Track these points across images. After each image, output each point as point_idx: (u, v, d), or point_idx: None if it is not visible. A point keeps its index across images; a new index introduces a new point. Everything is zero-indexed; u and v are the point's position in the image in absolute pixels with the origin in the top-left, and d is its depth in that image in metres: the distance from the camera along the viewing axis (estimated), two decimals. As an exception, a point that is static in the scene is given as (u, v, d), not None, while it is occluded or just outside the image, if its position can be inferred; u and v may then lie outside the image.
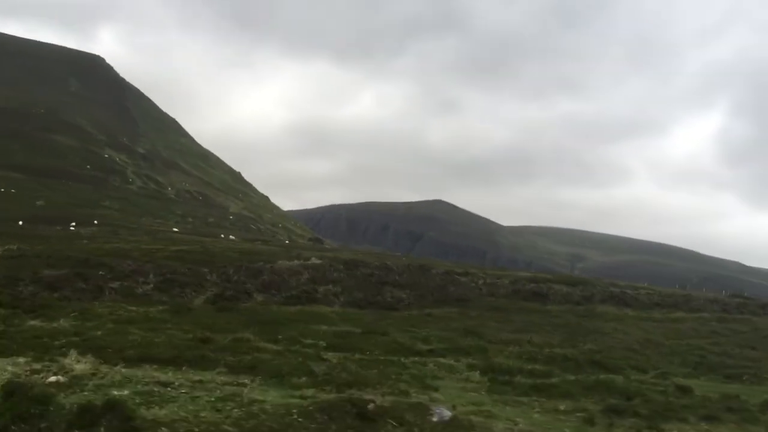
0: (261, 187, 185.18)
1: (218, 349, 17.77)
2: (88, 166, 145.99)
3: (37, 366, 13.17)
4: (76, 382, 11.60)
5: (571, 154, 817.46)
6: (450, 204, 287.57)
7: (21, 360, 14.53)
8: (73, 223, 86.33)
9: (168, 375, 13.38)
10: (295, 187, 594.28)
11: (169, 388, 11.72)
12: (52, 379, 11.17)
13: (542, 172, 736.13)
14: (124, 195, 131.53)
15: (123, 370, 13.46)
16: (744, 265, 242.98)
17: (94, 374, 12.26)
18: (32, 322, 22.08)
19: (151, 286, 32.65)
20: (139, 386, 11.76)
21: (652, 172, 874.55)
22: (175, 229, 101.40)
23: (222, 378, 13.61)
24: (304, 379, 14.07)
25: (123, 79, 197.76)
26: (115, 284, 30.91)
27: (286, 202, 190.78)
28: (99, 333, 20.28)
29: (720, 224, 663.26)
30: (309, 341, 21.48)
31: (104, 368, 13.19)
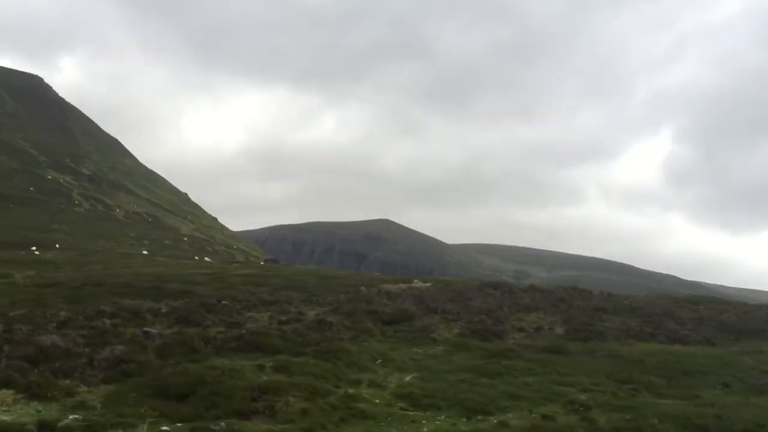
0: (209, 209, 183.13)
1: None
2: (32, 189, 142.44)
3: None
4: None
5: (524, 178, 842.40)
6: (396, 223, 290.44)
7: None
8: (34, 247, 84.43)
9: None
10: (246, 209, 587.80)
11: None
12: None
13: (495, 195, 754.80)
14: (72, 218, 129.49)
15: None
16: (679, 279, 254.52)
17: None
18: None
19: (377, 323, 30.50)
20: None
21: (602, 194, 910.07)
22: (145, 252, 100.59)
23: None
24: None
25: (63, 100, 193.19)
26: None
27: (233, 223, 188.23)
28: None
29: (663, 242, 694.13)
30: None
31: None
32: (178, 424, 15.93)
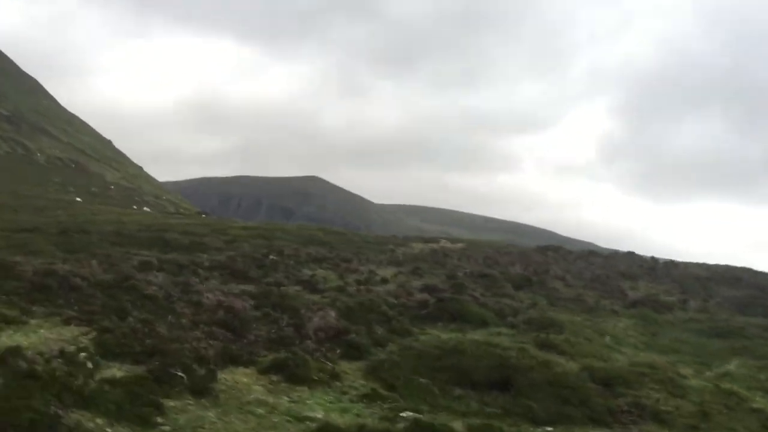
0: (134, 158, 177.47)
1: None
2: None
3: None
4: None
5: (462, 144, 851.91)
6: (325, 181, 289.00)
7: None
8: None
9: None
10: (174, 161, 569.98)
11: None
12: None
13: (432, 159, 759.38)
14: None
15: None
16: (596, 245, 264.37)
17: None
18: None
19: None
20: None
21: (536, 164, 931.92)
22: (78, 199, 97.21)
23: None
24: None
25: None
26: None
27: (157, 173, 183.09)
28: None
29: (589, 212, 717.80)
30: None
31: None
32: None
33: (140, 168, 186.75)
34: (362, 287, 23.98)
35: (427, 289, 24.05)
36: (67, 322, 14.26)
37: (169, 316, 15.05)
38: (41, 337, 13.09)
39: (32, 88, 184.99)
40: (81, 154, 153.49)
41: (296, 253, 30.64)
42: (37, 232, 30.83)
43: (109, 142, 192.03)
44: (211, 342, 13.73)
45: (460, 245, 36.70)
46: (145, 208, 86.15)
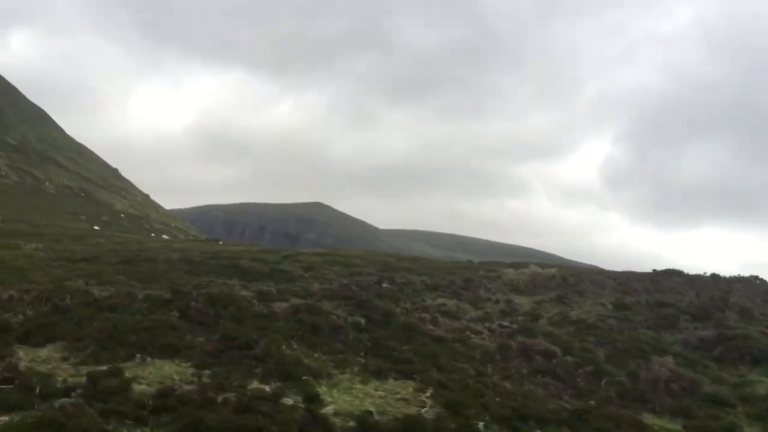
0: (141, 186, 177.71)
1: None
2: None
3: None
4: None
5: (471, 172, 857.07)
6: (328, 207, 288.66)
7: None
8: None
9: None
10: (181, 190, 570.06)
11: None
12: None
13: (440, 186, 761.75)
14: (1, 190, 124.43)
15: None
16: (601, 269, 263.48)
17: None
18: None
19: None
20: None
21: (545, 191, 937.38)
22: (96, 227, 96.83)
23: None
24: None
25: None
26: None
27: (163, 201, 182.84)
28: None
29: (597, 238, 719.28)
30: None
31: None
32: None
33: (147, 196, 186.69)
34: (526, 319, 21.95)
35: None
36: (378, 374, 13.01)
37: (488, 365, 13.85)
38: (372, 396, 11.61)
39: (40, 119, 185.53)
40: (89, 183, 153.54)
41: (409, 281, 28.68)
42: (97, 261, 30.49)
43: (116, 170, 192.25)
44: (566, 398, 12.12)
45: (553, 270, 34.63)
46: (164, 236, 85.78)
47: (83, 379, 10.62)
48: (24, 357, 10.89)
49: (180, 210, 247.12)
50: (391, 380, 12.81)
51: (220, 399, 10.84)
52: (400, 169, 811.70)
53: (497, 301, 23.62)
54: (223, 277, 26.82)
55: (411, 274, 31.08)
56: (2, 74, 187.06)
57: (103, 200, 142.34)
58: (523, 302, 24.67)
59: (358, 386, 12.30)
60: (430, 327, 17.33)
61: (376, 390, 12.26)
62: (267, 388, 11.59)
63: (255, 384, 11.87)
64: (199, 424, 9.88)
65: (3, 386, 9.11)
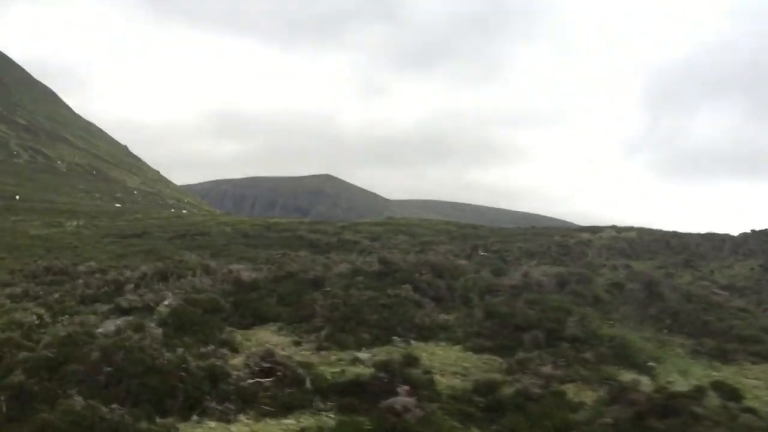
0: (151, 163, 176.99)
1: None
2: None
3: None
4: None
5: (481, 140, 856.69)
6: (338, 179, 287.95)
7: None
8: None
9: None
10: (191, 165, 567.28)
11: None
12: None
13: (450, 155, 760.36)
14: (14, 169, 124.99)
15: None
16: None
17: None
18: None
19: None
20: None
21: (556, 157, 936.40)
22: (118, 205, 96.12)
23: None
24: None
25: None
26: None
27: (172, 177, 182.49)
28: None
29: (608, 201, 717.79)
30: None
31: None
32: None
33: (157, 172, 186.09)
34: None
35: None
36: (723, 356, 10.61)
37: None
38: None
39: (47, 97, 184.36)
40: (100, 161, 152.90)
41: (505, 248, 26.84)
42: (148, 236, 29.68)
43: (125, 147, 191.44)
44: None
45: (633, 233, 33.11)
46: (183, 211, 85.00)
47: (364, 370, 8.84)
48: (256, 342, 9.55)
49: (189, 185, 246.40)
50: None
51: (571, 395, 8.60)
52: (409, 140, 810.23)
53: (615, 267, 21.24)
54: (289, 249, 25.89)
55: (476, 240, 30.00)
56: (6, 52, 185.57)
57: (114, 177, 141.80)
58: (643, 267, 22.43)
59: (716, 373, 10.12)
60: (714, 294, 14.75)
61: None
62: (649, 383, 8.74)
63: (603, 373, 9.31)
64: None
65: (263, 379, 7.77)
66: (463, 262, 16.15)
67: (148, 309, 10.64)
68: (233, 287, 11.93)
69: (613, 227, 35.73)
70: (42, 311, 9.66)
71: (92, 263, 17.85)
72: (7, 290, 13.81)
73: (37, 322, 8.63)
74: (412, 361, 9.00)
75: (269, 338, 9.76)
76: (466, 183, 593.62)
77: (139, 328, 9.08)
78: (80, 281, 13.61)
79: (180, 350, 8.46)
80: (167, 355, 8.06)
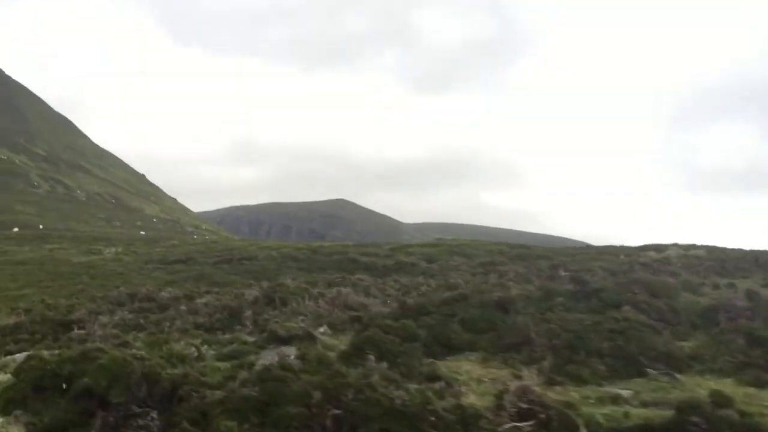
0: (168, 191, 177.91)
1: None
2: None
3: None
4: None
5: (494, 163, 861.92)
6: (353, 203, 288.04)
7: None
8: (15, 228, 79.39)
9: None
10: (206, 192, 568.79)
11: None
12: None
13: (465, 178, 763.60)
14: (35, 199, 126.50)
15: None
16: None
17: None
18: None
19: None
20: None
21: (571, 179, 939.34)
22: (143, 233, 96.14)
23: None
24: None
25: (9, 77, 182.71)
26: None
27: (188, 205, 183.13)
28: None
29: (632, 223, 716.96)
30: None
31: None
32: None
33: (174, 200, 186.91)
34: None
35: None
36: None
37: None
38: None
39: (64, 126, 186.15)
40: (118, 189, 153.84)
41: (585, 268, 25.26)
42: (192, 262, 29.22)
43: (143, 176, 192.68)
44: None
45: (701, 251, 31.75)
46: (206, 237, 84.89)
47: (652, 413, 7.09)
48: (466, 375, 8.30)
49: (206, 212, 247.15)
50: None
51: None
52: (423, 163, 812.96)
53: (716, 286, 19.31)
54: (346, 273, 25.15)
55: (545, 260, 28.82)
56: (24, 83, 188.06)
57: (133, 206, 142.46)
58: (746, 285, 20.22)
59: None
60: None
61: None
62: None
63: None
64: None
65: (521, 423, 6.29)
66: (670, 280, 14.57)
67: (310, 337, 9.54)
68: (399, 311, 10.72)
69: (676, 245, 34.71)
70: (197, 341, 8.92)
71: (171, 289, 17.22)
72: (103, 319, 13.17)
73: (195, 354, 7.85)
74: (723, 400, 7.13)
75: (477, 370, 8.57)
76: (480, 206, 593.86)
77: (321, 359, 7.80)
78: (172, 309, 12.95)
79: (413, 387, 7.09)
80: (397, 393, 6.65)
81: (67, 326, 11.66)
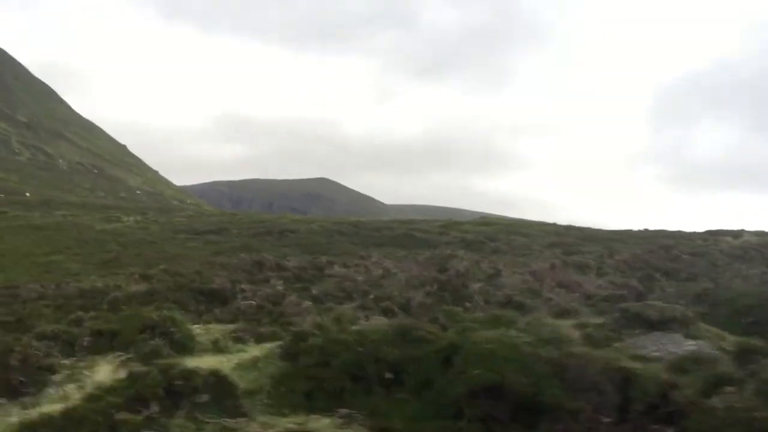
0: (149, 162, 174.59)
1: None
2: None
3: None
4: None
5: (484, 148, 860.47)
6: (335, 182, 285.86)
7: None
8: (27, 193, 77.56)
9: None
10: (190, 167, 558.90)
11: None
12: None
13: (452, 162, 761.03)
14: (15, 166, 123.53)
15: None
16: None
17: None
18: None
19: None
20: None
21: (559, 166, 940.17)
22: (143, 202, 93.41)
23: None
24: None
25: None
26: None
27: (171, 178, 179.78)
28: None
29: (616, 213, 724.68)
30: None
31: None
32: None
33: (156, 172, 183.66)
34: None
35: None
36: None
37: None
38: None
39: (46, 94, 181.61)
40: (100, 159, 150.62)
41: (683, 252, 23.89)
42: (226, 233, 27.77)
43: (124, 146, 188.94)
44: None
45: (754, 239, 30.83)
46: (194, 210, 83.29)
47: None
48: None
49: (188, 186, 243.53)
50: None
51: None
52: (414, 147, 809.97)
53: None
54: (408, 249, 23.87)
55: (594, 245, 27.88)
56: (5, 48, 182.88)
57: (116, 176, 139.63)
58: None
59: None
60: None
61: None
62: None
63: None
64: None
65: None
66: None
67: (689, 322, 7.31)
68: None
69: (754, 232, 33.76)
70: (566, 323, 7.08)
71: (292, 258, 15.72)
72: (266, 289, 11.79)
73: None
74: None
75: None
76: (469, 190, 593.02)
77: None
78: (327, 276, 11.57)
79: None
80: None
81: (210, 295, 10.34)
